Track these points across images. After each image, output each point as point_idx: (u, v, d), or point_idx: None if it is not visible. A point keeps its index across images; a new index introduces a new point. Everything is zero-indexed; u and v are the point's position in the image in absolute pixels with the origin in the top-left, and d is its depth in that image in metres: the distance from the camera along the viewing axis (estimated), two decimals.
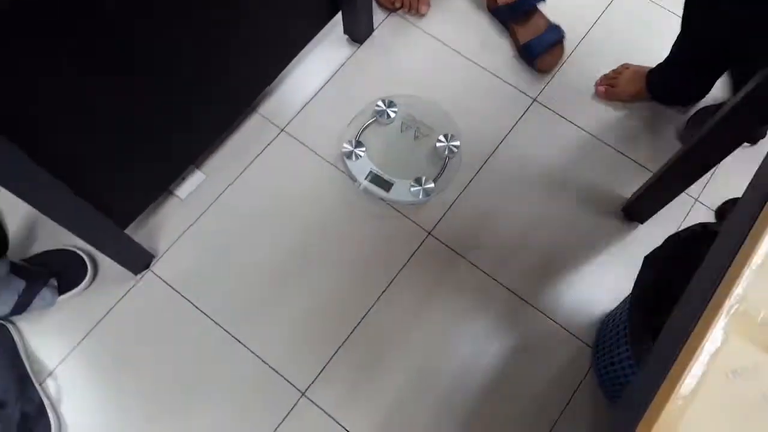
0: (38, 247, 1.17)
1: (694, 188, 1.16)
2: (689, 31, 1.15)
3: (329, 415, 1.08)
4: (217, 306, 1.16)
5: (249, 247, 1.20)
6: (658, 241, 0.93)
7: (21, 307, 1.08)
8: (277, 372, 1.11)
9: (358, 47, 1.40)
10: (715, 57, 1.16)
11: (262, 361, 1.12)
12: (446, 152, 1.27)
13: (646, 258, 0.93)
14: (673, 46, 1.22)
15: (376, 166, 1.26)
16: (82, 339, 1.12)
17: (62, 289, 1.12)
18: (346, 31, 1.39)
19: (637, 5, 1.47)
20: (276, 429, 1.07)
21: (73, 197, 0.88)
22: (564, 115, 1.34)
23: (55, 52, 0.74)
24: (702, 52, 1.17)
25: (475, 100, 1.36)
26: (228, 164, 1.27)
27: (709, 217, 1.26)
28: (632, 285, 0.93)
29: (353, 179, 1.26)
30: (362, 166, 1.26)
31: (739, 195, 0.54)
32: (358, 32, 1.37)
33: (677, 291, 0.90)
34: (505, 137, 1.32)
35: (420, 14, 1.43)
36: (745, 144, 1.28)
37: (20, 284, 1.06)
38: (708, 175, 1.24)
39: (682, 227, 0.95)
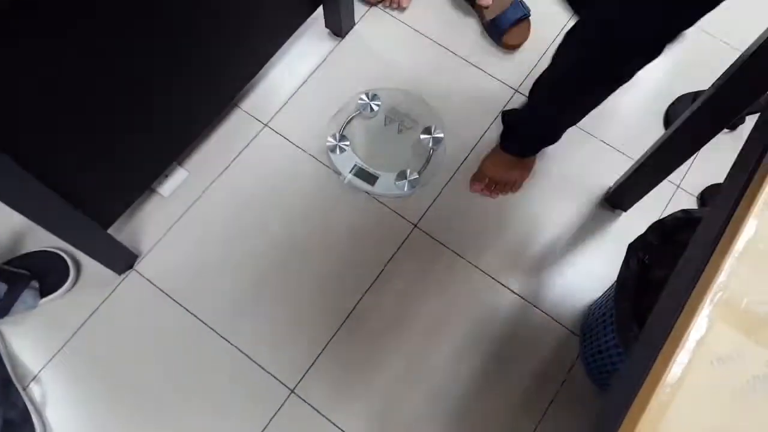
0: (19, 249, 1.15)
1: (675, 175, 1.17)
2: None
3: (319, 412, 1.08)
4: (203, 304, 1.15)
5: (233, 244, 1.20)
6: (642, 229, 0.94)
7: (2, 310, 1.06)
8: (265, 370, 1.10)
9: (340, 41, 1.39)
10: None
11: (250, 358, 1.11)
12: (430, 144, 1.27)
13: (631, 245, 0.93)
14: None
15: (360, 159, 1.26)
16: (67, 341, 1.11)
17: (44, 292, 1.11)
18: (327, 25, 1.38)
19: None
20: (266, 427, 1.07)
21: (54, 197, 0.87)
22: None
23: (33, 49, 0.73)
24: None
25: (459, 92, 1.36)
26: (211, 161, 1.26)
27: (691, 203, 1.27)
28: (617, 273, 0.94)
29: (338, 173, 1.25)
30: (347, 159, 1.25)
31: (720, 181, 0.55)
32: (340, 26, 1.36)
33: (661, 277, 0.91)
34: (488, 128, 1.32)
35: (401, 7, 1.42)
36: (725, 130, 1.29)
37: (1, 288, 1.04)
38: (689, 161, 1.25)
39: (664, 214, 0.96)
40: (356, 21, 1.41)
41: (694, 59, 1.40)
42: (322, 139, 1.28)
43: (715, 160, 1.24)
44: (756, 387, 0.37)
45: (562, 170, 1.29)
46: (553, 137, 1.15)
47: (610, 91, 0.98)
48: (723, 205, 0.45)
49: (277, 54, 1.27)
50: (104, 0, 0.78)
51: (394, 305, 1.17)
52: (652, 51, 0.84)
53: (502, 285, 1.19)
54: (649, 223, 0.94)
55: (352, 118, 1.30)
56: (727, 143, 1.26)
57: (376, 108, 1.30)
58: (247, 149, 1.27)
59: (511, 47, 1.39)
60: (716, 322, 0.38)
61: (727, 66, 0.87)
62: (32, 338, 1.11)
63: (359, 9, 1.42)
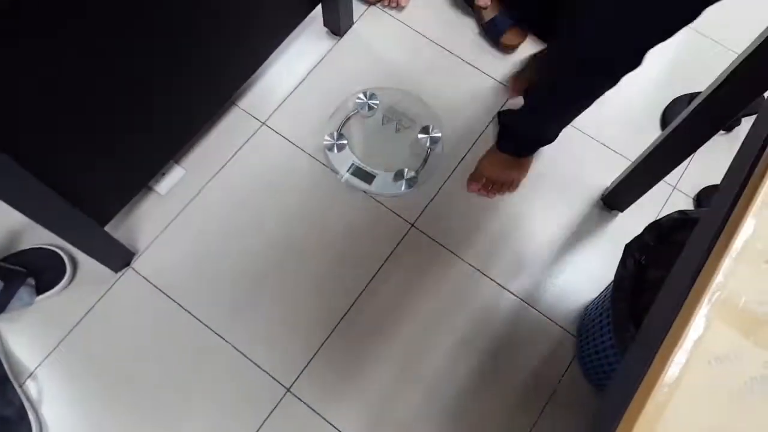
0: (15, 246, 1.15)
1: (672, 176, 1.17)
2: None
3: (314, 411, 1.08)
4: (199, 302, 1.14)
5: (230, 242, 1.19)
6: (638, 229, 0.94)
7: None
8: (261, 368, 1.10)
9: (338, 40, 1.39)
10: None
11: (246, 357, 1.11)
12: (428, 144, 1.27)
13: (627, 246, 0.94)
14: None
15: (358, 158, 1.25)
16: (63, 339, 1.10)
17: (41, 289, 1.10)
18: (326, 24, 1.38)
19: None
20: (261, 425, 1.07)
21: (53, 196, 0.86)
22: None
23: (33, 49, 0.73)
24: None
25: (457, 91, 1.36)
26: (208, 159, 1.26)
27: (688, 205, 1.28)
28: (614, 273, 0.94)
29: (335, 172, 1.25)
30: (344, 158, 1.25)
31: (717, 182, 0.55)
32: (338, 25, 1.36)
33: (658, 278, 0.91)
34: (486, 127, 1.32)
35: (400, 7, 1.42)
36: (721, 132, 1.30)
37: None
38: (685, 163, 1.26)
39: (661, 215, 0.96)
40: (355, 20, 1.41)
41: (690, 61, 1.41)
42: (319, 137, 1.28)
43: (711, 161, 1.25)
44: (754, 388, 0.37)
45: (559, 171, 1.29)
46: (549, 137, 1.16)
47: (600, 95, 0.99)
48: (721, 205, 0.45)
49: (276, 52, 1.27)
50: (104, 0, 0.78)
51: (391, 304, 1.17)
52: (632, 63, 0.85)
53: (499, 285, 1.19)
54: (646, 224, 0.94)
55: (349, 117, 1.30)
56: (723, 145, 1.27)
57: (374, 107, 1.30)
58: (244, 148, 1.27)
59: (509, 48, 1.39)
60: (714, 321, 0.38)
61: (724, 68, 0.88)
62: (28, 335, 1.10)
63: (358, 8, 1.41)
